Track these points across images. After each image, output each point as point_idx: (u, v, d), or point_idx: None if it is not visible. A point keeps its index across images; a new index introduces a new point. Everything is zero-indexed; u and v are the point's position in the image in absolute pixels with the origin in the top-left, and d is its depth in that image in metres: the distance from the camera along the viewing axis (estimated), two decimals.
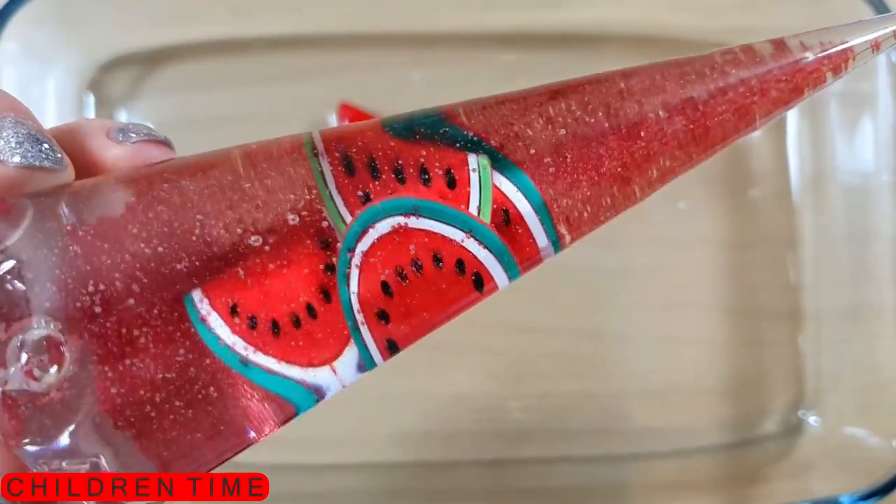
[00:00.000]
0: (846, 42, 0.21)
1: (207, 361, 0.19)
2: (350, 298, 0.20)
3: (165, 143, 0.21)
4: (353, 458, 0.45)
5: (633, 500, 0.44)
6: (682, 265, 0.47)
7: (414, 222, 0.20)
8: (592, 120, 0.20)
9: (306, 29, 0.46)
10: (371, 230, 0.20)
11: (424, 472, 0.45)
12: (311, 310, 0.20)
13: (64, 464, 0.18)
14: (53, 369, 0.18)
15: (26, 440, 0.18)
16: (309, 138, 0.20)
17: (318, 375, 0.20)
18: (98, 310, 0.18)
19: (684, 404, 0.46)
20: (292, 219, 0.19)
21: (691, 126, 0.20)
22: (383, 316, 0.20)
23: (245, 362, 0.19)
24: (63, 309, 0.18)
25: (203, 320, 0.19)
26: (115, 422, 0.19)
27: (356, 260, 0.20)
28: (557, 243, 0.20)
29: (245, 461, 0.45)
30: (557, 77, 0.48)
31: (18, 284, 0.18)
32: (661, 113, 0.20)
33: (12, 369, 0.18)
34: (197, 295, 0.19)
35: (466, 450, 0.46)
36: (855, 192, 0.45)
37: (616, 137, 0.20)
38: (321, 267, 0.19)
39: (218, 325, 0.19)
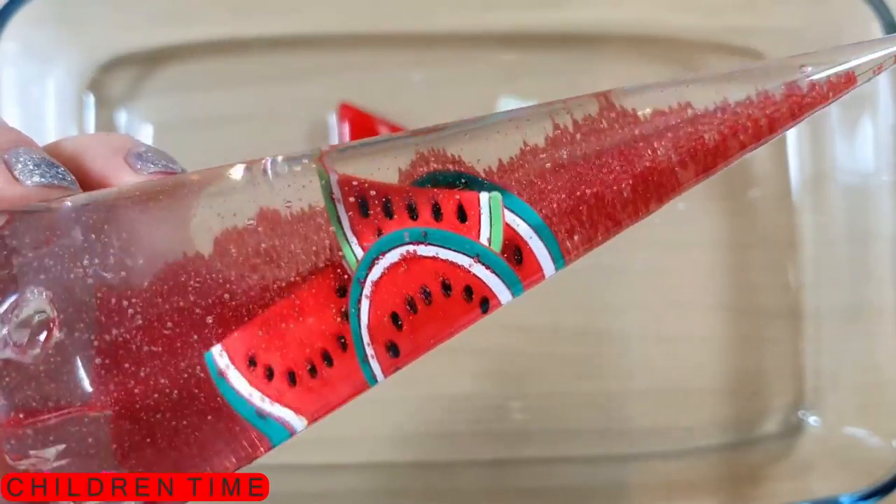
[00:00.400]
0: (850, 63, 0.20)
1: (222, 407, 0.19)
2: (360, 331, 0.20)
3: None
4: (354, 458, 0.45)
5: (633, 499, 0.44)
6: (682, 265, 0.47)
7: (422, 249, 0.20)
8: (589, 150, 0.20)
9: (306, 29, 0.46)
10: (381, 259, 0.20)
11: (424, 472, 0.45)
12: (327, 357, 0.20)
13: (32, 452, 0.18)
14: (41, 339, 0.18)
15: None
16: (326, 183, 0.20)
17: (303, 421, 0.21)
18: (108, 320, 0.19)
19: (684, 404, 0.46)
20: (308, 267, 0.19)
21: (692, 150, 0.21)
22: (392, 348, 0.20)
23: (261, 414, 0.20)
24: (62, 298, 0.19)
25: (222, 374, 0.19)
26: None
27: (367, 290, 0.20)
28: (561, 262, 0.22)
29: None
30: (557, 77, 0.48)
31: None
32: (669, 153, 0.21)
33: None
34: (217, 349, 0.19)
35: (466, 450, 0.46)
36: (855, 191, 0.45)
37: (615, 164, 0.20)
38: (337, 314, 0.19)
39: (236, 377, 0.19)
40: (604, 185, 0.20)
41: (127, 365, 0.19)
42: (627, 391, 0.46)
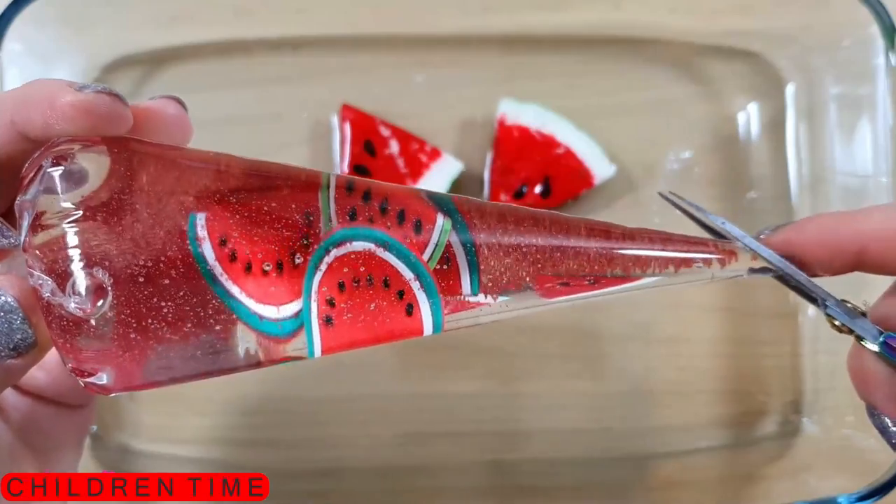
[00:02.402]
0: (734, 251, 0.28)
1: (192, 273, 0.23)
2: (313, 279, 0.24)
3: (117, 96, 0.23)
4: (355, 458, 0.46)
5: (632, 499, 0.45)
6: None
7: (381, 252, 0.25)
8: (526, 229, 0.26)
9: (308, 31, 0.46)
10: (349, 244, 0.25)
11: (425, 472, 0.46)
12: (280, 266, 0.24)
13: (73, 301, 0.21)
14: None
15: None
16: (327, 175, 0.25)
17: (265, 309, 0.24)
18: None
19: (683, 405, 0.46)
20: (292, 193, 0.24)
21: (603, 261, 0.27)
22: (331, 302, 0.25)
23: (216, 281, 0.23)
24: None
25: (198, 240, 0.23)
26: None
27: (329, 258, 0.25)
28: (477, 293, 0.26)
29: (246, 462, 0.46)
30: (557, 79, 0.48)
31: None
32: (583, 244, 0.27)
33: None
34: (201, 218, 0.23)
35: (467, 449, 0.46)
36: (853, 193, 0.45)
37: (539, 242, 0.27)
38: (301, 240, 0.24)
39: (207, 248, 0.23)
40: (525, 256, 0.26)
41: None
42: (626, 391, 0.46)
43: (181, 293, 0.23)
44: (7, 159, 0.23)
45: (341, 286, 0.25)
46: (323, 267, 0.24)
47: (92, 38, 0.45)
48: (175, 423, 0.45)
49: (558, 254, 0.27)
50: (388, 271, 0.25)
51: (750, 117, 0.47)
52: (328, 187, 0.25)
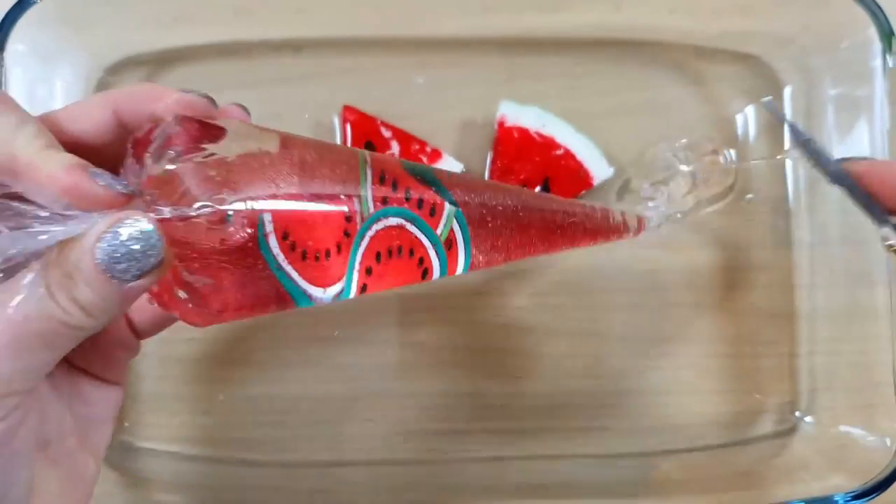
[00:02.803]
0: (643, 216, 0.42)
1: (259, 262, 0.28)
2: (357, 252, 0.31)
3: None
4: (355, 457, 0.46)
5: (630, 497, 0.45)
6: (679, 266, 0.47)
7: (409, 226, 0.32)
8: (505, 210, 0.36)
9: (310, 32, 0.46)
10: (385, 220, 0.31)
11: (426, 469, 0.46)
12: (327, 254, 0.30)
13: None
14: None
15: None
16: (363, 155, 0.32)
17: (315, 290, 0.30)
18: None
19: (680, 404, 0.47)
20: (340, 191, 0.30)
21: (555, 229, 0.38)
22: (369, 271, 0.32)
23: (279, 268, 0.28)
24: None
25: (265, 235, 0.28)
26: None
27: (371, 233, 0.31)
28: (468, 265, 0.35)
29: (247, 460, 0.46)
30: (556, 81, 0.49)
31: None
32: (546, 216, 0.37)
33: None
34: (268, 216, 0.27)
35: (467, 447, 0.46)
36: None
37: (517, 221, 0.36)
38: (344, 231, 0.30)
39: (273, 242, 0.28)
40: (512, 230, 0.36)
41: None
42: (625, 390, 0.47)
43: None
44: (101, 139, 0.29)
45: (377, 256, 0.32)
46: (365, 242, 0.31)
47: (94, 39, 0.45)
48: (177, 422, 0.46)
49: (520, 219, 0.36)
50: (413, 241, 0.33)
51: (748, 119, 0.48)
52: (366, 178, 0.31)
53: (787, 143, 0.47)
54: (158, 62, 0.46)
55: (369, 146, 0.46)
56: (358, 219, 0.30)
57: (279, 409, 0.46)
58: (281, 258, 0.28)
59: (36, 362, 0.26)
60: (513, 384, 0.47)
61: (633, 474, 0.46)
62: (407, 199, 0.32)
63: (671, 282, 0.47)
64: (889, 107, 0.43)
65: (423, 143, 0.46)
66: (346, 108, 0.46)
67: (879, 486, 0.41)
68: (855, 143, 0.44)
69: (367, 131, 0.46)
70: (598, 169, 0.46)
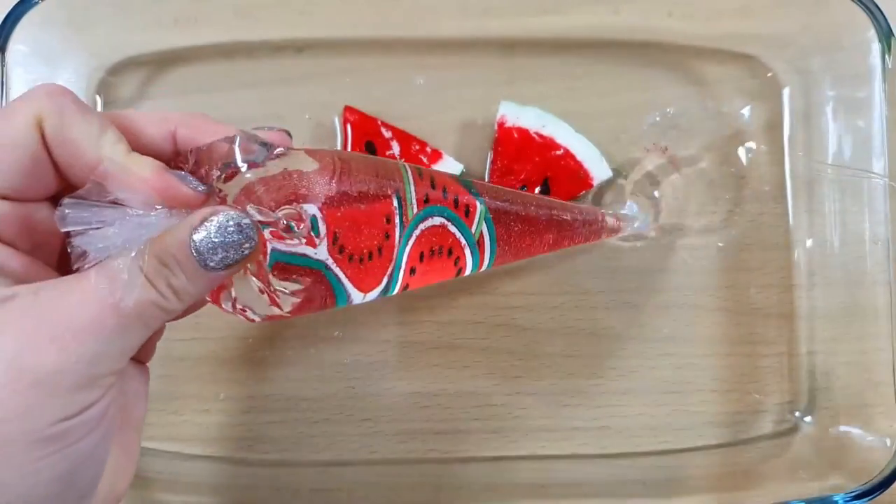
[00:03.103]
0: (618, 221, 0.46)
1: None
2: (404, 253, 0.33)
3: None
4: (356, 456, 0.46)
5: (630, 497, 0.45)
6: (677, 266, 0.47)
7: (449, 226, 0.35)
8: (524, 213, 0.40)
9: (311, 33, 0.46)
10: (430, 219, 0.34)
11: (426, 469, 0.46)
12: (370, 256, 0.32)
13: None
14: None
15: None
16: (401, 163, 0.34)
17: (356, 293, 0.32)
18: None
19: (680, 403, 0.47)
20: (385, 195, 0.32)
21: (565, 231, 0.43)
22: (413, 271, 0.34)
23: (328, 268, 0.30)
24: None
25: (319, 237, 0.30)
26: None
27: (417, 232, 0.34)
28: (491, 264, 0.38)
29: (248, 460, 0.46)
30: (556, 82, 0.49)
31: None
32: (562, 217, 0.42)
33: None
34: (321, 219, 0.29)
35: (467, 446, 0.46)
36: (849, 196, 0.45)
37: (528, 223, 0.40)
38: (384, 233, 0.32)
39: (324, 242, 0.30)
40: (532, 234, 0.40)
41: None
42: (624, 390, 0.47)
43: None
44: (158, 151, 0.30)
45: (420, 256, 0.34)
46: (411, 243, 0.33)
47: (96, 39, 0.45)
48: (178, 421, 0.46)
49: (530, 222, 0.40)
50: (453, 241, 0.36)
51: (747, 120, 0.48)
52: (408, 180, 0.33)
53: (786, 143, 0.48)
54: (160, 63, 0.47)
55: (370, 146, 0.46)
56: (397, 219, 0.32)
57: (279, 408, 0.46)
58: (330, 261, 0.30)
59: (133, 342, 0.28)
60: (513, 384, 0.47)
61: (633, 474, 0.46)
62: (445, 199, 0.35)
63: (671, 282, 0.47)
64: (888, 108, 0.43)
65: (423, 144, 0.46)
66: (347, 109, 0.46)
67: (879, 487, 0.41)
68: (853, 144, 0.45)
69: (367, 132, 0.46)
70: (598, 169, 0.47)
